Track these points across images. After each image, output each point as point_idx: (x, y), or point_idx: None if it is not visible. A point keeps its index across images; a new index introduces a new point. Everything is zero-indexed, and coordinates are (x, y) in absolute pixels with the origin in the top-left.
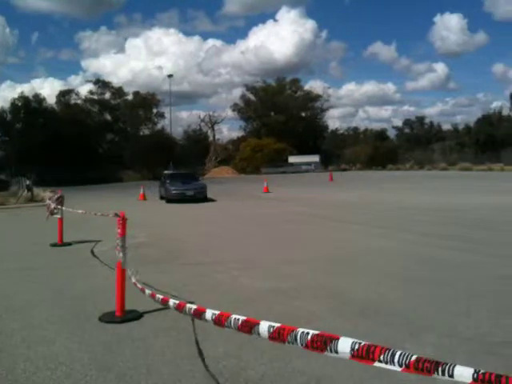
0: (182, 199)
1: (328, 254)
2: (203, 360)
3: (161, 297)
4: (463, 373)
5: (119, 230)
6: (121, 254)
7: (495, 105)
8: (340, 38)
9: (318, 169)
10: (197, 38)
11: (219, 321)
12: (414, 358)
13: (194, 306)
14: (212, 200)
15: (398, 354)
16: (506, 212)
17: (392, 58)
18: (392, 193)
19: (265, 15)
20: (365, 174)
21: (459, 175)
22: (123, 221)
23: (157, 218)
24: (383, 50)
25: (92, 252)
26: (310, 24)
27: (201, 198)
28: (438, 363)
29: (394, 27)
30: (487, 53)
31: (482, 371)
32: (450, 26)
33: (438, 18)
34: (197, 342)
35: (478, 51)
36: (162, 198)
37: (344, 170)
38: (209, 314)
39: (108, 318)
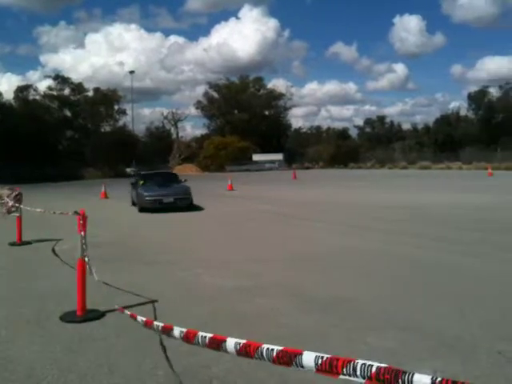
0: (158, 208)
1: (292, 253)
2: (166, 358)
3: (128, 313)
4: (421, 380)
5: (79, 229)
6: (81, 253)
7: (453, 105)
8: (302, 38)
9: (282, 167)
10: (159, 35)
11: (187, 338)
12: (374, 369)
13: (161, 324)
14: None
15: (359, 365)
16: (468, 210)
17: (353, 58)
18: (354, 191)
19: (227, 13)
20: (327, 172)
21: (419, 174)
22: (84, 219)
23: (119, 216)
24: (344, 50)
25: (53, 251)
26: (273, 23)
27: (184, 205)
28: (397, 373)
29: (354, 28)
30: (445, 54)
31: (438, 378)
32: (409, 28)
33: (397, 19)
34: (160, 340)
35: (437, 52)
36: (133, 204)
37: (307, 168)
38: (177, 331)
39: (69, 318)
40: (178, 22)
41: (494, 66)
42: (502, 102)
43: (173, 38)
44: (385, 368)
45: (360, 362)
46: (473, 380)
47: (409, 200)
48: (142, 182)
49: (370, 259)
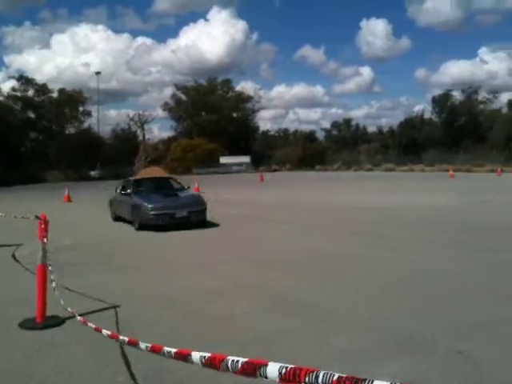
0: (167, 224)
1: (260, 255)
2: (127, 364)
3: (93, 326)
4: None
5: (41, 233)
6: (42, 258)
7: (417, 108)
8: (271, 40)
9: (249, 169)
10: (126, 36)
11: (154, 351)
12: (335, 377)
13: (126, 339)
14: None
15: (321, 375)
16: (437, 212)
17: (321, 62)
18: (321, 193)
19: (196, 14)
20: (294, 174)
21: (383, 176)
22: (45, 223)
23: (82, 220)
24: (312, 53)
25: (13, 256)
26: (241, 25)
27: (199, 220)
28: (357, 381)
29: (322, 31)
30: (410, 58)
31: None
32: (375, 31)
33: (364, 23)
34: (121, 347)
35: (402, 56)
36: (117, 218)
37: (274, 170)
38: (142, 345)
39: (28, 325)
40: (145, 23)
41: (457, 70)
42: (464, 106)
43: (140, 39)
44: (346, 377)
45: (322, 371)
46: (434, 380)
47: (376, 201)
48: (136, 191)
49: (339, 261)
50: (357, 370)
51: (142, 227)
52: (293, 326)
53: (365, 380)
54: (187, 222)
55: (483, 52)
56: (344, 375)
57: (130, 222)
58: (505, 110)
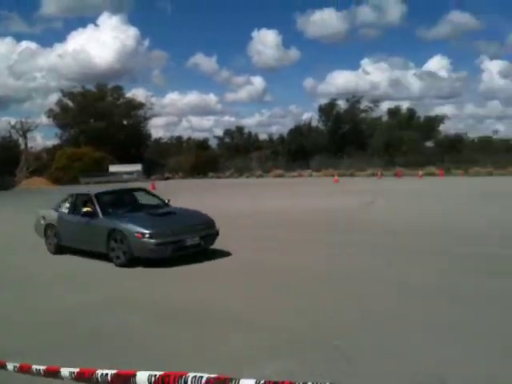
0: (172, 256)
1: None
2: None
3: None
4: None
5: None
6: None
7: (305, 116)
8: (162, 47)
9: (141, 178)
10: (9, 40)
11: (22, 371)
12: (204, 379)
13: None
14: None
15: (190, 378)
16: (319, 213)
17: (213, 70)
18: (213, 200)
19: (85, 19)
20: (187, 182)
21: (273, 182)
22: None
23: None
24: (204, 61)
25: None
26: (133, 31)
27: (208, 247)
28: (224, 380)
29: (214, 39)
30: (299, 68)
31: (262, 381)
32: (266, 42)
33: (255, 33)
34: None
35: (292, 66)
36: (64, 250)
37: (167, 178)
38: (10, 366)
39: None
40: (31, 26)
41: (342, 80)
42: (348, 114)
43: (25, 44)
44: (214, 378)
45: (191, 374)
46: (309, 375)
47: (267, 207)
48: (107, 212)
49: (237, 267)
50: (236, 371)
51: (132, 261)
52: (176, 333)
53: (232, 379)
54: (198, 251)
55: (366, 63)
56: (212, 375)
57: (90, 254)
58: (385, 118)
